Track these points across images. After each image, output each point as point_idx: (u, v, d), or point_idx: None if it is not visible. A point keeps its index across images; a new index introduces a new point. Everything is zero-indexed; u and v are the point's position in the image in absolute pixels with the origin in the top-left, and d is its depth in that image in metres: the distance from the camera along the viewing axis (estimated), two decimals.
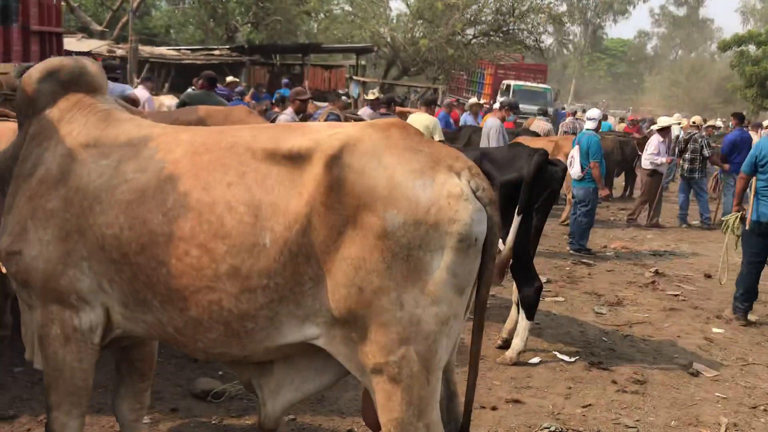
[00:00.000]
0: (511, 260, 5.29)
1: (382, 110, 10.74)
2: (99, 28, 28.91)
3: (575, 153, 9.91)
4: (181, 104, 8.55)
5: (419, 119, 9.41)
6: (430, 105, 10.53)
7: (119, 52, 20.03)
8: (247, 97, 18.36)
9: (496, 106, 16.81)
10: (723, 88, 38.14)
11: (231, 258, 2.45)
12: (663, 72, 64.44)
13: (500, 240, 5.42)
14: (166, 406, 4.26)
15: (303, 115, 8.89)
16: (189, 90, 11.51)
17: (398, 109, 12.26)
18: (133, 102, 8.79)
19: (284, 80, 20.97)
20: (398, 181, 2.43)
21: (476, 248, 2.49)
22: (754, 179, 6.86)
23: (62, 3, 9.35)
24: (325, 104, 11.81)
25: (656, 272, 8.96)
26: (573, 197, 10.22)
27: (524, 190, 5.25)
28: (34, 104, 2.84)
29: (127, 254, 2.56)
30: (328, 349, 2.57)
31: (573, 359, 5.62)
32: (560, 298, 7.50)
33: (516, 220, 5.25)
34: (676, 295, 7.94)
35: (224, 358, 2.72)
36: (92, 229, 2.60)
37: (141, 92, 11.44)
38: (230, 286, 2.47)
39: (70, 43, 22.31)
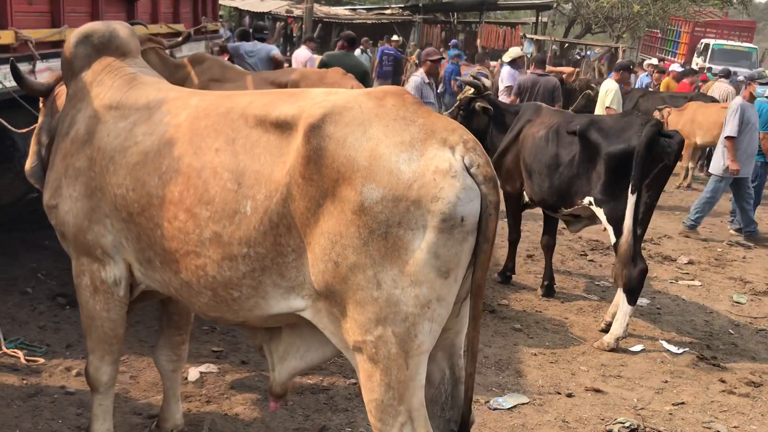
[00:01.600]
0: (630, 243, 4.86)
1: (537, 71, 10.24)
2: None
3: None
4: (322, 65, 8.72)
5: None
6: (622, 70, 9.90)
7: (297, 12, 20.83)
8: (413, 57, 18.43)
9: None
10: None
11: (213, 224, 2.47)
12: None
13: (607, 223, 5.05)
14: (237, 358, 4.47)
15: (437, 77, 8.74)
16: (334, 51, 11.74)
17: (549, 68, 11.65)
18: (278, 63, 9.16)
19: (453, 41, 20.75)
20: (381, 153, 2.30)
21: (462, 229, 2.30)
22: None
23: None
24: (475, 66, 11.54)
25: None
26: None
27: (636, 165, 4.80)
28: (72, 67, 3.03)
29: (132, 214, 2.68)
30: (314, 322, 2.54)
31: (681, 351, 5.11)
32: (696, 283, 6.83)
33: (631, 199, 4.83)
34: None
35: (224, 321, 2.78)
36: (108, 188, 2.75)
37: (303, 52, 11.93)
38: (213, 252, 2.49)
39: (252, 3, 23.65)
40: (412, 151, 2.31)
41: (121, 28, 3.07)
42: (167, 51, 6.40)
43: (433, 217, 2.27)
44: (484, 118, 6.24)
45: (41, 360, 4.18)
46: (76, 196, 2.84)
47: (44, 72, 4.92)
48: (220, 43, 10.08)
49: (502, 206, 7.24)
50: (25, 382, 3.96)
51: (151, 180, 2.61)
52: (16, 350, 4.20)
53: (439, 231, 2.28)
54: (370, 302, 2.33)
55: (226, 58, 10.12)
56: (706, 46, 26.96)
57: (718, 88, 13.61)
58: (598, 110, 9.52)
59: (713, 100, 12.58)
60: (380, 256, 2.30)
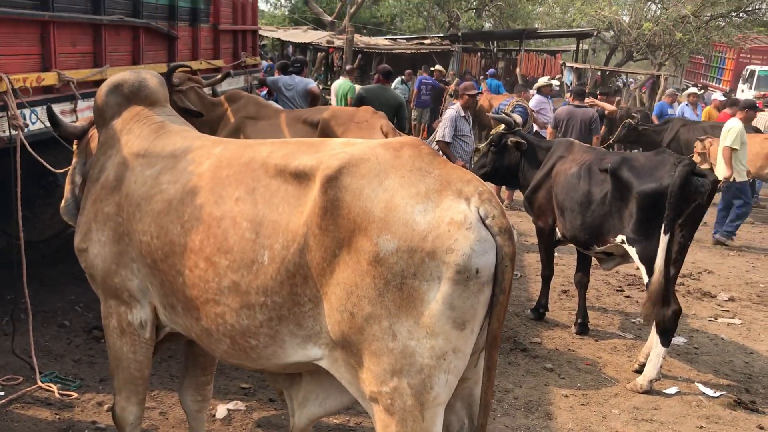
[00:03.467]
0: (662, 283, 4.78)
1: (576, 102, 10.17)
2: (329, 18, 30.88)
3: None
4: (359, 98, 8.85)
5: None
6: (747, 109, 9.83)
7: (337, 42, 21.14)
8: (452, 86, 18.52)
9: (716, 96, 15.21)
10: None
11: (232, 273, 2.52)
12: None
13: (639, 262, 4.97)
14: (265, 395, 4.49)
15: (473, 110, 8.77)
16: (340, 80, 11.90)
17: (589, 100, 11.57)
18: (315, 96, 9.31)
19: (490, 70, 20.77)
20: (396, 204, 2.32)
21: (478, 280, 2.31)
22: None
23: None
24: (512, 96, 11.52)
25: None
26: None
27: (669, 205, 4.73)
28: (103, 115, 3.15)
29: (156, 261, 2.75)
30: (331, 371, 2.56)
31: (718, 394, 4.96)
32: (737, 321, 6.65)
33: (663, 239, 4.76)
34: None
35: (244, 367, 2.81)
36: (135, 235, 2.83)
37: (343, 81, 12.13)
38: (231, 300, 2.54)
39: (296, 34, 24.12)
40: (428, 203, 2.33)
41: (150, 78, 3.18)
42: (206, 88, 6.58)
43: (448, 268, 2.27)
44: (515, 154, 6.23)
45: (74, 394, 4.27)
46: (105, 241, 2.93)
47: (85, 111, 5.11)
48: (259, 77, 10.29)
49: (533, 241, 7.17)
50: (57, 416, 4.05)
51: (173, 228, 2.68)
52: (50, 384, 4.30)
53: (455, 282, 2.28)
54: (385, 353, 2.34)
55: (265, 91, 10.37)
56: (752, 72, 26.48)
57: (762, 118, 13.33)
58: (720, 148, 9.48)
59: (756, 130, 12.32)
60: (396, 307, 2.31)
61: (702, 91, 19.35)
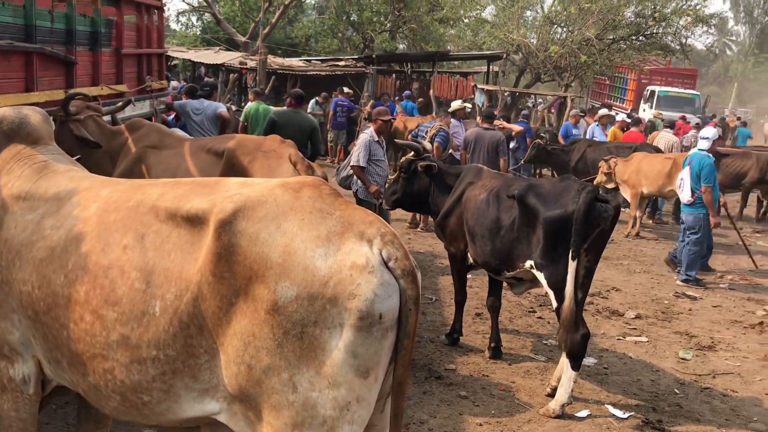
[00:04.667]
0: (572, 309, 4.84)
1: (485, 125, 10.32)
2: (242, 39, 30.50)
3: (685, 175, 9.08)
4: (271, 123, 8.70)
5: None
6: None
7: (251, 63, 20.88)
8: (367, 107, 18.58)
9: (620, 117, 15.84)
10: None
11: (120, 326, 2.36)
12: None
13: (548, 287, 5.04)
14: None
15: (387, 135, 8.77)
16: (252, 104, 11.72)
17: (497, 122, 11.81)
18: (225, 120, 9.09)
19: (406, 92, 20.99)
20: (295, 248, 2.23)
21: (381, 326, 2.24)
22: None
23: (164, 23, 9.76)
24: (434, 120, 11.63)
25: None
26: (682, 222, 9.35)
27: (575, 231, 4.81)
28: None
29: (38, 313, 2.55)
30: (230, 425, 2.42)
31: (627, 415, 5.06)
32: (643, 339, 6.85)
33: (571, 265, 4.83)
34: None
35: (136, 424, 2.63)
36: (15, 284, 2.62)
37: (256, 103, 11.76)
38: (121, 355, 2.37)
39: (207, 55, 23.69)
40: (329, 246, 2.25)
41: (32, 114, 2.97)
42: (107, 116, 6.30)
43: (350, 315, 2.20)
44: (426, 180, 6.24)
45: None
46: None
47: None
48: (167, 101, 9.99)
49: (448, 263, 7.17)
50: None
51: (56, 278, 2.49)
52: None
53: (357, 329, 2.21)
54: (285, 406, 2.23)
55: (172, 116, 10.07)
56: (652, 92, 27.86)
57: (663, 138, 13.96)
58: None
59: (658, 150, 12.89)
60: (296, 358, 2.21)
61: (614, 113, 20.15)
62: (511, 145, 13.70)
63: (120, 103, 6.64)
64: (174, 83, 19.47)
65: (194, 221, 2.37)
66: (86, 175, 2.86)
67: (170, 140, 5.62)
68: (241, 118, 11.25)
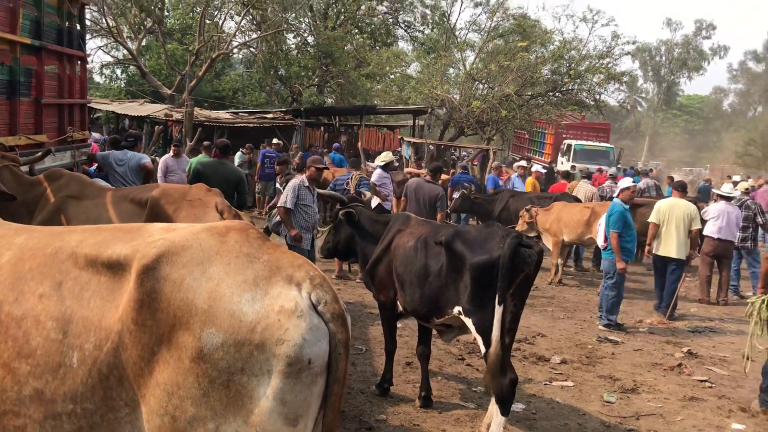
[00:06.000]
0: (499, 354, 4.88)
1: (428, 177, 10.44)
2: (168, 92, 30.23)
3: (602, 221, 9.45)
4: (196, 173, 8.60)
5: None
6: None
7: (176, 115, 20.67)
8: (296, 159, 18.63)
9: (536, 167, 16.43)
10: None
11: (34, 380, 2.25)
12: (740, 130, 62.06)
13: (476, 332, 5.09)
14: None
15: (319, 182, 8.80)
16: (200, 156, 11.57)
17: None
18: (148, 171, 8.93)
19: (335, 144, 21.18)
20: (222, 294, 2.19)
21: (311, 372, 2.21)
22: None
23: (87, 74, 9.60)
24: (347, 173, 11.73)
25: (688, 353, 8.28)
26: (602, 269, 9.67)
27: (501, 276, 4.89)
28: None
29: None
30: None
31: None
32: (569, 383, 6.96)
33: (498, 310, 4.89)
34: (702, 381, 7.27)
35: None
36: None
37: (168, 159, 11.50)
38: (34, 411, 2.26)
39: (132, 107, 23.35)
40: (256, 290, 2.22)
41: None
42: (24, 166, 6.10)
43: (278, 361, 2.16)
44: (355, 229, 6.27)
45: None
46: None
47: None
48: (88, 152, 9.77)
49: (377, 313, 7.16)
50: None
51: None
52: None
53: (286, 375, 2.17)
54: None
55: (94, 167, 9.83)
56: (569, 146, 29.00)
57: (582, 188, 14.52)
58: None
59: (576, 199, 13.38)
60: (222, 407, 2.15)
61: (529, 164, 20.85)
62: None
63: (39, 153, 6.44)
64: (96, 135, 19.06)
65: (115, 267, 2.30)
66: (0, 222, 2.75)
67: (91, 190, 5.47)
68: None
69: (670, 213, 9.77)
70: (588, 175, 16.18)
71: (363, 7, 32.79)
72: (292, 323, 2.18)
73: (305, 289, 2.26)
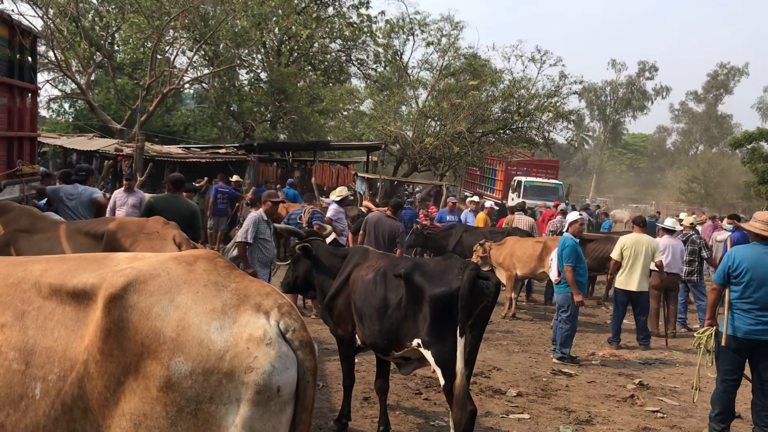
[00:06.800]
0: (462, 384, 4.91)
1: (389, 212, 10.50)
2: (118, 126, 29.82)
3: (554, 256, 9.64)
4: (149, 207, 8.50)
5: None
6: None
7: (127, 150, 20.41)
8: (249, 195, 18.52)
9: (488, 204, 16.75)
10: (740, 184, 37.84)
11: None
12: (683, 167, 64.35)
13: (435, 365, 5.11)
14: None
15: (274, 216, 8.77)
16: (157, 194, 11.42)
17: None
18: (100, 206, 8.78)
19: (289, 180, 21.18)
20: (190, 322, 2.18)
21: (279, 399, 2.20)
22: (727, 291, 6.43)
23: (38, 108, 9.44)
24: (303, 205, 11.73)
25: (640, 384, 8.44)
26: (555, 302, 9.83)
27: (461, 308, 4.94)
28: None
29: None
30: None
31: None
32: (525, 416, 7.01)
33: (460, 342, 4.93)
34: (654, 412, 7.41)
35: None
36: None
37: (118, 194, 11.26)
38: None
39: (80, 142, 22.97)
40: (225, 319, 2.22)
41: None
42: None
43: (247, 389, 2.15)
44: (312, 263, 6.26)
45: None
46: None
47: None
48: (38, 185, 9.56)
49: (334, 348, 7.14)
50: None
51: None
52: None
53: (255, 404, 2.16)
54: None
55: (43, 201, 9.61)
56: (519, 182, 29.59)
57: (520, 220, 14.95)
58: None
59: (528, 234, 13.63)
60: None
61: (481, 200, 21.21)
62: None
63: None
64: (42, 170, 18.64)
65: (81, 297, 2.27)
66: None
67: (43, 224, 5.36)
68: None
69: (635, 248, 10.14)
70: (522, 207, 16.83)
71: (316, 45, 33.11)
72: (261, 351, 2.18)
73: (273, 317, 2.27)
